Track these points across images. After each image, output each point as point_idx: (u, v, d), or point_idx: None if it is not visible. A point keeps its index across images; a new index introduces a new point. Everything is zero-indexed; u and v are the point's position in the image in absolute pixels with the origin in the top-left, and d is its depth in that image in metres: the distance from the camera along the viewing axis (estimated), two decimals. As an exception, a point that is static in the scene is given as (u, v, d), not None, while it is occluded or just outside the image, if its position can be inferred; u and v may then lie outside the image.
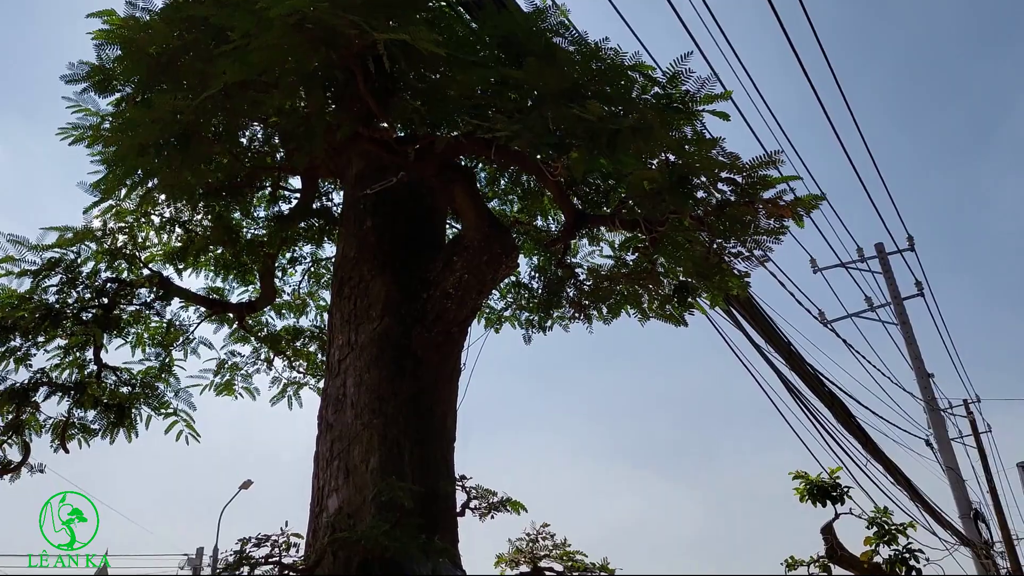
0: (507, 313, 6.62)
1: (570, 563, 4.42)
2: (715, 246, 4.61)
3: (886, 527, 9.78)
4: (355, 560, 3.80)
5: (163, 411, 6.48)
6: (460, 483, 4.51)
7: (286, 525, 3.76)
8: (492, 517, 4.49)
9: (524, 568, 4.47)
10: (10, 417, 5.67)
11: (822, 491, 10.01)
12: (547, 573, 4.43)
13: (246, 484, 28.84)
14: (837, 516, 10.04)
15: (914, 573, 9.49)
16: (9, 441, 5.81)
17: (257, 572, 3.62)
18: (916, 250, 23.06)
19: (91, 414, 6.13)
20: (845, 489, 10.00)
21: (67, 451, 5.90)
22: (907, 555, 9.51)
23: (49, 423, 5.98)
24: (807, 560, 10.39)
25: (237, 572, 3.60)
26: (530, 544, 4.50)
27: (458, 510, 4.44)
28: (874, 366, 16.55)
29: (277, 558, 3.66)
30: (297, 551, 3.76)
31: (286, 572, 3.67)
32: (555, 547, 4.49)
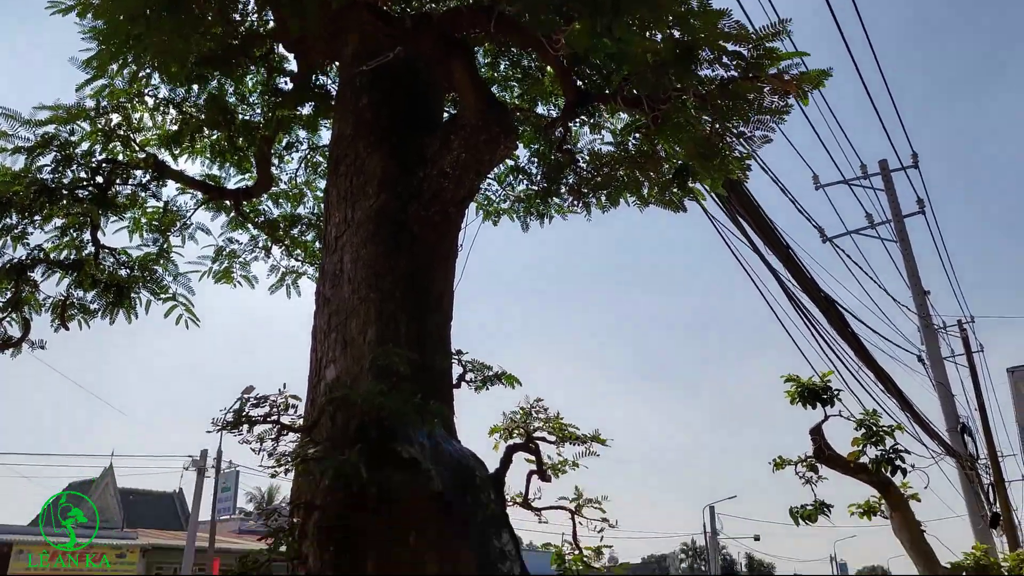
0: (505, 205, 6.59)
1: (562, 434, 4.52)
2: (717, 127, 4.55)
3: (874, 429, 9.98)
4: (353, 423, 3.87)
5: (162, 295, 6.52)
6: (456, 357, 4.57)
7: (284, 387, 3.82)
8: (487, 389, 4.56)
9: (517, 440, 4.57)
10: (9, 294, 5.71)
11: (812, 393, 10.16)
12: (540, 442, 4.53)
13: (248, 390, 29.26)
14: (826, 418, 10.23)
15: (899, 472, 9.73)
16: (9, 318, 5.87)
17: (256, 430, 3.70)
18: (920, 168, 22.88)
19: (90, 295, 6.17)
20: (835, 392, 10.16)
21: (67, 328, 5.97)
22: (893, 455, 9.72)
23: (49, 302, 6.02)
24: (795, 460, 10.66)
25: (236, 430, 3.68)
26: (524, 417, 4.59)
27: (454, 382, 4.51)
28: (873, 280, 16.59)
29: (275, 417, 3.73)
30: (295, 412, 3.83)
31: (284, 431, 3.75)
32: (547, 421, 4.58)
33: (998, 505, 20.63)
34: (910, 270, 21.58)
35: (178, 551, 31.41)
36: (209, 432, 3.64)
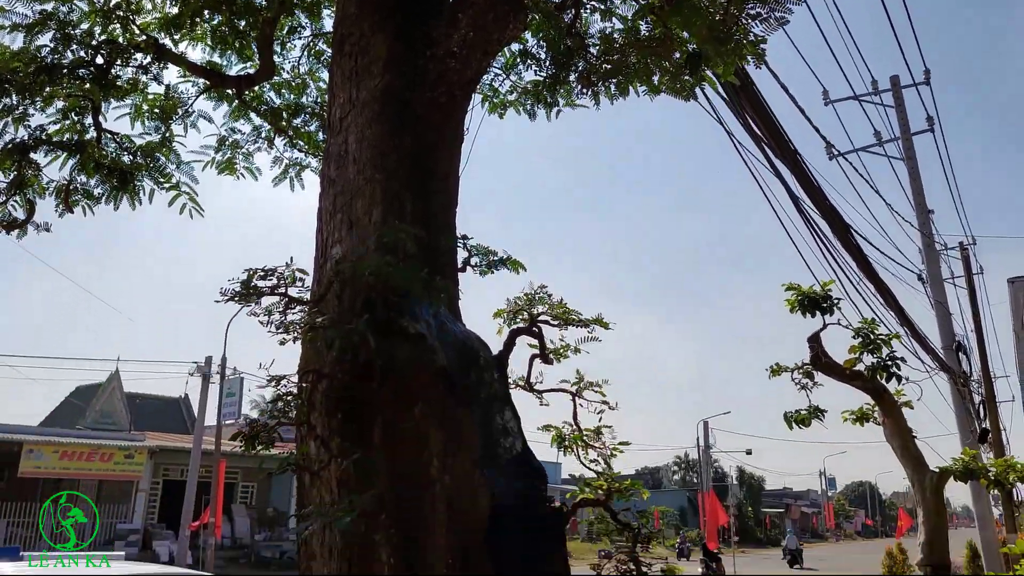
0: (512, 97, 6.48)
1: (566, 318, 4.56)
2: (733, 8, 4.43)
3: (871, 337, 10.10)
4: (359, 299, 3.90)
5: (165, 184, 6.48)
6: (461, 241, 4.57)
7: (291, 260, 3.83)
8: (492, 273, 4.59)
9: (521, 324, 4.61)
10: (12, 175, 5.67)
11: (812, 302, 10.22)
12: (543, 325, 4.58)
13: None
14: (825, 326, 10.33)
15: (894, 379, 9.89)
16: (13, 201, 5.85)
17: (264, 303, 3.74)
18: (931, 85, 22.47)
19: (93, 181, 6.14)
20: (835, 300, 10.22)
21: (71, 212, 5.96)
22: (889, 363, 9.86)
23: (52, 186, 6.00)
24: (791, 367, 10.82)
25: (244, 301, 3.71)
26: (527, 302, 4.62)
27: (459, 266, 4.53)
28: (877, 193, 16.48)
29: (283, 289, 3.76)
30: (302, 285, 3.85)
31: (292, 304, 3.79)
32: (551, 307, 4.62)
33: (988, 422, 21.06)
34: (915, 188, 21.47)
35: (185, 453, 32.27)
36: (218, 303, 3.67)
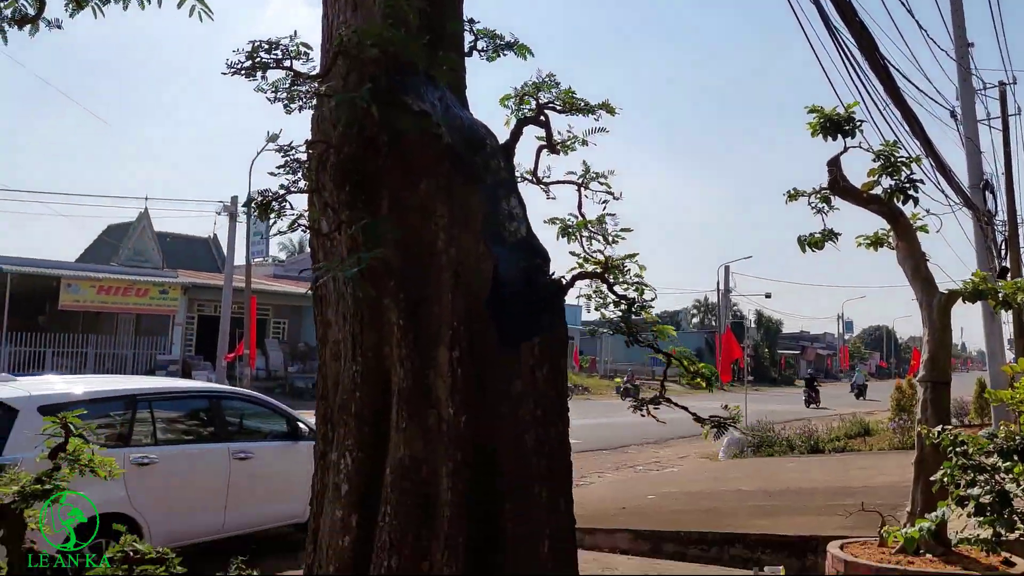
0: None
1: (572, 104, 4.56)
2: None
3: (892, 159, 9.95)
4: (364, 77, 3.94)
5: (172, -15, 6.35)
6: (468, 24, 4.51)
7: (295, 34, 3.83)
8: (500, 56, 4.55)
9: (528, 114, 4.62)
10: (17, -33, 5.60)
11: (835, 124, 10.00)
12: (551, 112, 4.58)
13: (273, 137, 29.47)
14: (845, 149, 10.18)
15: (911, 202, 9.82)
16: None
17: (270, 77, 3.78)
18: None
19: (100, -21, 6.03)
20: (858, 123, 10.01)
21: (81, 8, 5.90)
22: (907, 185, 9.75)
23: (58, -17, 5.92)
24: (808, 191, 10.78)
25: (250, 76, 3.76)
26: (534, 89, 4.60)
27: (465, 51, 4.50)
28: (915, 19, 15.71)
29: (288, 63, 3.79)
30: (307, 61, 3.87)
31: (299, 79, 3.83)
32: (559, 94, 4.60)
33: (1008, 261, 21.05)
34: (956, 20, 20.46)
35: (216, 290, 33.32)
36: (224, 74, 3.72)
